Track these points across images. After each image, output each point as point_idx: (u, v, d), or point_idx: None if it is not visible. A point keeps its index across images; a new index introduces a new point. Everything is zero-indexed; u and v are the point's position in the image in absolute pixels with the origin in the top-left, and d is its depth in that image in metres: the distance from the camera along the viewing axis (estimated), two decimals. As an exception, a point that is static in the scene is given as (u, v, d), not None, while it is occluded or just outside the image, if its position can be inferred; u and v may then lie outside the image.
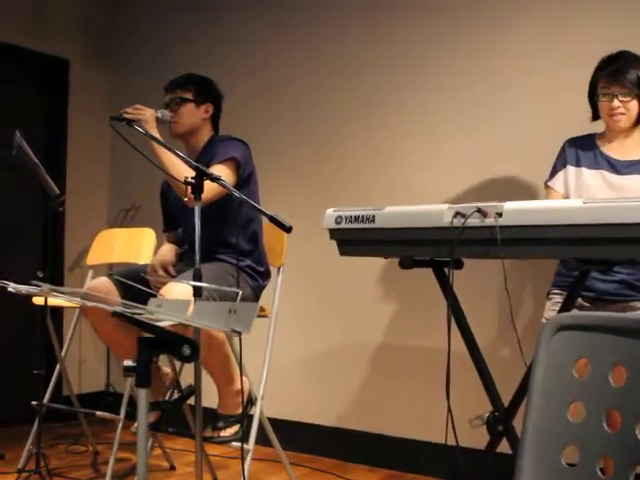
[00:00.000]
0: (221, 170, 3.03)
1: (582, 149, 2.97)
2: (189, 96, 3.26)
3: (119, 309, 1.69)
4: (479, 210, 2.38)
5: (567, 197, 2.96)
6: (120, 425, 3.43)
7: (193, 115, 3.27)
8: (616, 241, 2.18)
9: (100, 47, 5.27)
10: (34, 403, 3.45)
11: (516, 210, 2.34)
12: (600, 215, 2.18)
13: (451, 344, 2.45)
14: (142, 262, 3.70)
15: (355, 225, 2.64)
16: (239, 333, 1.68)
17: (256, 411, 3.18)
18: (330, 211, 2.71)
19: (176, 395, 3.28)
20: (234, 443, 3.03)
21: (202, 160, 3.09)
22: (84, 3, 5.17)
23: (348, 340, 4.14)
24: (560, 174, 2.99)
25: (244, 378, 3.12)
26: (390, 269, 3.94)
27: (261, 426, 3.22)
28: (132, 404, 1.76)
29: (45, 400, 3.61)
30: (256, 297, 3.27)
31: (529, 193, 3.54)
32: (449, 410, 2.44)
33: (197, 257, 2.58)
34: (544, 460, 1.48)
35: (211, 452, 3.68)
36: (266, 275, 3.32)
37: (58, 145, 5.03)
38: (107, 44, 5.29)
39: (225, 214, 3.11)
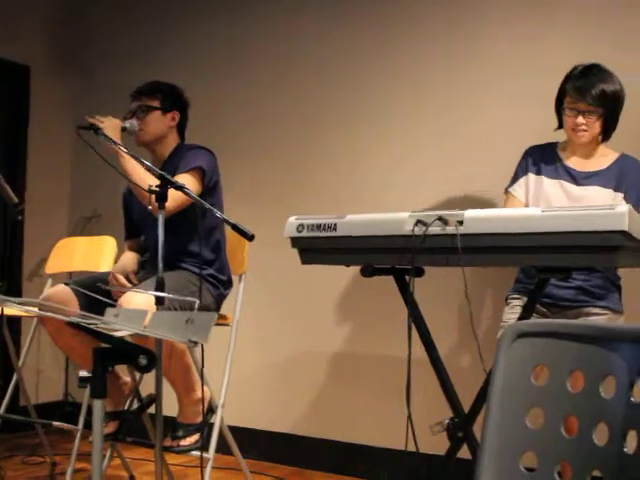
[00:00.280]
0: (187, 179, 3.03)
1: (543, 158, 3.00)
2: (156, 104, 3.24)
3: (74, 319, 1.67)
4: (440, 218, 2.40)
5: (527, 204, 2.99)
6: (78, 435, 3.38)
7: (160, 123, 3.26)
8: (574, 249, 2.20)
9: (62, 54, 5.21)
10: (-11, 414, 3.40)
11: (476, 218, 2.36)
12: (558, 223, 2.21)
13: (412, 351, 2.46)
14: (102, 270, 3.66)
15: (317, 233, 2.64)
16: (196, 343, 1.67)
17: (217, 419, 3.17)
18: (292, 219, 2.71)
19: (136, 404, 3.25)
20: (194, 452, 3.02)
21: (168, 168, 3.08)
22: (45, 8, 5.12)
23: (309, 348, 4.14)
24: (521, 181, 3.02)
25: (204, 387, 3.10)
26: (352, 277, 3.95)
27: (221, 434, 3.20)
28: (91, 414, 1.74)
29: (1, 411, 3.56)
30: (218, 306, 3.27)
31: (492, 201, 3.57)
32: (409, 417, 2.45)
33: (160, 266, 2.56)
34: (503, 465, 1.50)
35: (171, 461, 3.65)
36: (228, 284, 3.32)
37: (18, 153, 4.96)
38: (69, 50, 5.23)
39: (188, 223, 3.10)
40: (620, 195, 2.86)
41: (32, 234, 4.97)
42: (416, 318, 2.70)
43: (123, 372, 3.30)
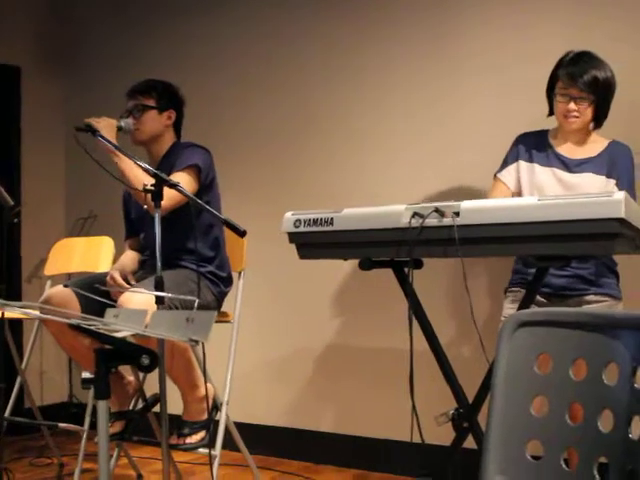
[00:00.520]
0: (183, 177, 3.05)
1: (535, 145, 3.00)
2: (152, 103, 3.24)
3: (75, 321, 1.67)
4: (437, 210, 2.41)
5: (516, 191, 2.99)
6: (84, 436, 3.39)
7: (156, 122, 3.26)
8: (571, 237, 2.21)
9: (52, 54, 5.20)
10: (-5, 417, 3.40)
11: (473, 209, 2.36)
12: (555, 212, 2.22)
13: (413, 343, 2.47)
14: (101, 271, 3.66)
15: (314, 228, 2.64)
16: (197, 342, 1.68)
17: (222, 416, 3.18)
18: (289, 214, 2.71)
19: (140, 403, 3.26)
20: (201, 449, 3.03)
21: (164, 167, 3.09)
22: (35, 9, 5.10)
23: (311, 342, 4.15)
24: (511, 168, 3.01)
25: (208, 384, 3.11)
26: (350, 271, 3.96)
27: (227, 431, 3.22)
28: (96, 414, 1.75)
29: (6, 413, 3.56)
30: (218, 304, 3.27)
31: (487, 191, 3.57)
32: (414, 408, 2.47)
33: (158, 265, 2.57)
34: (509, 454, 1.51)
35: (178, 459, 3.66)
36: (228, 281, 3.32)
37: (11, 155, 4.96)
38: (59, 50, 5.22)
39: (186, 221, 3.11)
40: (612, 181, 2.86)
41: (29, 236, 4.97)
42: (416, 310, 2.71)
43: (127, 372, 3.30)
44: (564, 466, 1.45)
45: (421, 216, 2.42)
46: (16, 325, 4.62)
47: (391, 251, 2.56)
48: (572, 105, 2.84)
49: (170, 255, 3.02)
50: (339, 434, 4.04)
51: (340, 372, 4.06)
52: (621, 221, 2.14)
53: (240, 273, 3.42)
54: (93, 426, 3.34)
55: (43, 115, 5.12)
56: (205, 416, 3.07)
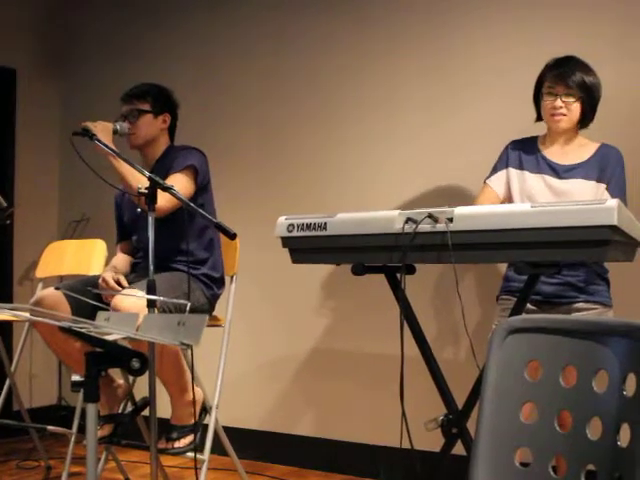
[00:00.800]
0: (180, 178, 3.07)
1: (525, 152, 3.00)
2: (147, 107, 3.25)
3: (66, 324, 1.67)
4: (430, 216, 2.40)
5: (506, 198, 3.00)
6: (73, 439, 3.38)
7: (151, 126, 3.26)
8: (564, 244, 2.22)
9: (48, 55, 5.19)
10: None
11: (466, 215, 2.36)
12: (548, 219, 2.22)
13: (404, 349, 2.47)
14: (93, 273, 3.65)
15: (307, 233, 2.64)
16: (188, 346, 1.67)
17: (211, 420, 3.17)
18: (282, 219, 2.71)
19: (130, 407, 3.25)
20: (189, 453, 3.02)
21: (159, 170, 3.10)
22: (30, 10, 5.09)
23: (301, 347, 4.14)
24: (500, 174, 3.02)
25: (197, 388, 3.10)
26: (342, 276, 3.95)
27: (216, 435, 3.20)
28: (85, 417, 1.74)
29: (-5, 416, 3.55)
30: (211, 306, 3.27)
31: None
32: (403, 414, 2.46)
33: (151, 268, 2.57)
34: (498, 461, 1.50)
35: (166, 463, 3.65)
36: (221, 282, 3.32)
37: (6, 156, 4.95)
38: (55, 52, 5.21)
39: (180, 223, 3.11)
40: (603, 186, 2.86)
41: (21, 238, 4.95)
42: (408, 315, 2.71)
43: (117, 375, 3.29)
44: (552, 473, 1.45)
45: (414, 222, 2.42)
46: (6, 327, 4.60)
47: (384, 256, 2.56)
48: (558, 102, 2.85)
49: (164, 257, 3.02)
50: (328, 439, 4.03)
51: (330, 377, 4.06)
52: (613, 228, 2.14)
53: (232, 277, 3.41)
54: (81, 429, 3.35)
55: (38, 117, 5.10)
56: (193, 420, 3.06)
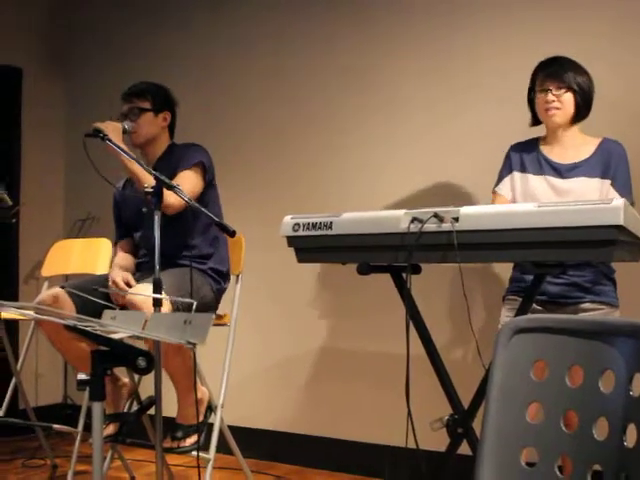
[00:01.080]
0: (190, 175, 3.11)
1: (526, 154, 2.99)
2: (147, 105, 3.25)
3: (71, 322, 1.67)
4: (436, 215, 2.40)
5: (512, 202, 2.99)
6: (78, 438, 3.38)
7: (152, 124, 3.27)
8: (570, 244, 2.21)
9: (54, 55, 5.20)
10: (-12, 417, 3.39)
11: (472, 215, 2.36)
12: (554, 218, 2.21)
13: (410, 348, 2.46)
14: (98, 272, 3.66)
15: (312, 232, 2.64)
16: (194, 345, 1.67)
17: (216, 419, 3.17)
18: (287, 218, 2.71)
19: (135, 405, 3.25)
20: (194, 452, 3.02)
21: (163, 167, 3.10)
22: (36, 10, 5.10)
23: (307, 346, 4.14)
24: (506, 180, 3.02)
25: (202, 387, 3.11)
26: (348, 275, 3.94)
27: (222, 434, 3.20)
28: (90, 416, 1.74)
29: (0, 414, 3.55)
30: (217, 301, 3.27)
31: (486, 196, 3.56)
32: (409, 413, 2.46)
33: (157, 268, 2.58)
34: (504, 461, 1.50)
35: (172, 462, 3.65)
36: (227, 277, 3.33)
37: (12, 155, 4.96)
38: (61, 52, 5.22)
39: (185, 220, 3.11)
40: (607, 182, 2.84)
41: (27, 236, 4.96)
42: (414, 315, 2.70)
43: (122, 374, 3.29)
44: (558, 473, 1.44)
45: (420, 221, 2.42)
46: (12, 326, 4.61)
47: (390, 256, 2.55)
48: (550, 96, 2.85)
49: (169, 254, 3.03)
50: (333, 438, 4.03)
51: (336, 376, 4.06)
52: (620, 228, 2.13)
53: (238, 276, 3.41)
54: (87, 428, 3.35)
55: (44, 116, 5.11)
56: (200, 419, 3.06)
